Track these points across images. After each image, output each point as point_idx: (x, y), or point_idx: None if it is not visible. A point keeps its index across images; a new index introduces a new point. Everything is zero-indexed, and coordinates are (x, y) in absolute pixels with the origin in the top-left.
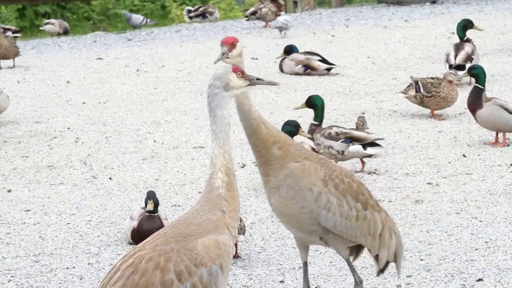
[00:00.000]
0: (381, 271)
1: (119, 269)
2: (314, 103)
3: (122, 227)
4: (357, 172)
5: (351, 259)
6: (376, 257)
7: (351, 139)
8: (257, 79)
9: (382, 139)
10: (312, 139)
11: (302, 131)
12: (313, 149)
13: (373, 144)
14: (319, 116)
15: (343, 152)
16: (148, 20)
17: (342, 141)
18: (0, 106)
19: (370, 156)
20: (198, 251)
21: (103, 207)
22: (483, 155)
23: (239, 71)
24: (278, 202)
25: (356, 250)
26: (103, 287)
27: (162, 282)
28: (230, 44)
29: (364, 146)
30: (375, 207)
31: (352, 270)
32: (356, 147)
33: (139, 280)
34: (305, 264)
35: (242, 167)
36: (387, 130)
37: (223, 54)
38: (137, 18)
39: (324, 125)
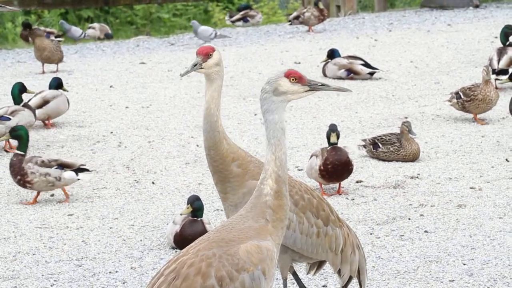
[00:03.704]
0: (344, 286)
1: (163, 274)
2: (19, 134)
3: (165, 231)
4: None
5: (311, 273)
6: (339, 273)
7: (62, 166)
8: (322, 84)
9: (84, 165)
10: (23, 169)
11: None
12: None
13: (83, 169)
14: (24, 146)
15: (60, 178)
16: (86, 33)
17: (56, 168)
18: (58, 108)
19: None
20: (240, 256)
21: (146, 212)
22: None
23: (293, 75)
24: None
25: (317, 265)
26: None
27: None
28: (205, 54)
29: (76, 171)
30: (336, 222)
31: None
32: (70, 173)
33: (180, 285)
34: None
35: (300, 170)
36: (430, 134)
37: (195, 65)
38: (76, 31)
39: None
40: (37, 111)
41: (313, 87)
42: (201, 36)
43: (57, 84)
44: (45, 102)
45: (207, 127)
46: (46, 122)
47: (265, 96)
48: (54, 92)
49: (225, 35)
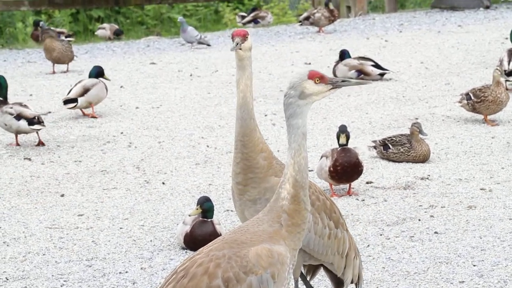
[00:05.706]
0: None
1: (176, 271)
2: None
3: (175, 232)
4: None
5: (308, 277)
6: (338, 279)
7: None
8: (343, 81)
9: None
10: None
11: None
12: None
13: None
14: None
15: None
16: None
17: None
18: (98, 95)
19: None
20: (249, 258)
21: (156, 212)
22: None
23: (316, 76)
24: (252, 216)
25: (313, 269)
26: None
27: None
28: (242, 35)
29: None
30: (344, 226)
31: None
32: None
33: (187, 284)
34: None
35: (310, 171)
36: (440, 135)
37: (237, 44)
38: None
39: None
40: (79, 99)
41: (335, 84)
42: (187, 36)
43: (97, 72)
44: (85, 90)
45: (244, 115)
46: (87, 112)
47: (290, 101)
48: (92, 80)
49: (207, 42)
